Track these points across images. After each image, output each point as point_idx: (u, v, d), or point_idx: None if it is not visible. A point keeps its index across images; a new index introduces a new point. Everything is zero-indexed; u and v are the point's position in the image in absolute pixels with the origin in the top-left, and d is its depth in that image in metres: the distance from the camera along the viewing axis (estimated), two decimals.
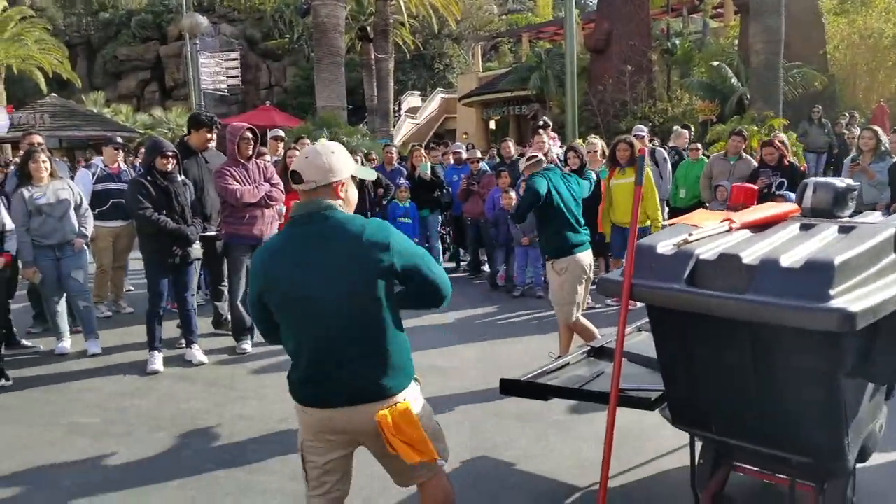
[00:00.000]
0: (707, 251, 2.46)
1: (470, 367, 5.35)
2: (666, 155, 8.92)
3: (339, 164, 2.30)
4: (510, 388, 3.32)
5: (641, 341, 3.54)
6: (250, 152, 5.74)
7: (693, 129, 11.93)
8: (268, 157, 7.17)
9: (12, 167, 7.22)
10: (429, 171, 8.75)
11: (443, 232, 9.76)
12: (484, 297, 7.80)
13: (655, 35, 20.44)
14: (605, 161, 7.03)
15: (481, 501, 3.37)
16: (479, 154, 9.46)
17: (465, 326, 6.58)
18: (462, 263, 9.64)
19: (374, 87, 24.10)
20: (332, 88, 17.30)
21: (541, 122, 9.43)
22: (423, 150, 9.56)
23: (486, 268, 8.89)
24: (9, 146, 18.38)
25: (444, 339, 6.07)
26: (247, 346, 5.88)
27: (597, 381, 3.21)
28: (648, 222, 6.60)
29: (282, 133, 8.32)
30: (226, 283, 6.27)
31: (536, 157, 5.10)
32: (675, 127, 11.19)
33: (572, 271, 4.82)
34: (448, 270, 9.41)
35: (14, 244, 5.16)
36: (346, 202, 2.34)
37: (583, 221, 5.02)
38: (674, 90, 18.81)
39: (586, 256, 4.91)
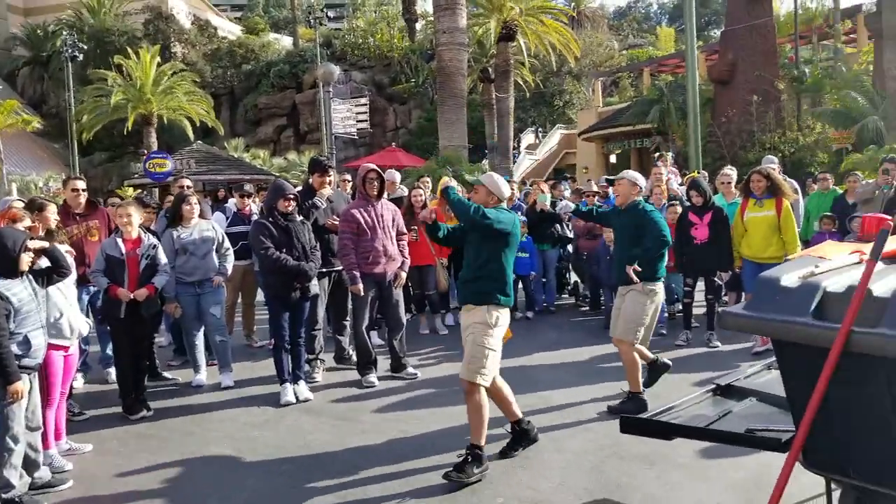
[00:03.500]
0: (835, 284, 2.30)
1: (588, 405, 5.19)
2: (797, 186, 8.41)
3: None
4: (632, 426, 3.18)
5: (771, 379, 3.31)
6: (375, 191, 5.99)
7: (826, 158, 11.16)
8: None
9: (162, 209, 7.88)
10: (548, 203, 8.68)
11: (560, 266, 9.61)
12: (603, 334, 7.58)
13: (783, 63, 19.53)
14: (738, 193, 6.73)
15: None
16: (594, 188, 9.29)
17: (582, 364, 6.42)
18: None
19: (494, 125, 24.49)
20: (455, 129, 17.78)
21: (658, 154, 9.20)
22: (543, 183, 9.56)
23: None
24: (156, 189, 20.17)
25: (561, 378, 5.94)
26: (373, 378, 6.00)
27: (724, 420, 3.01)
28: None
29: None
30: (349, 318, 6.53)
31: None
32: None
33: (657, 297, 5.08)
34: (567, 306, 9.31)
35: (163, 280, 5.54)
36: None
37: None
38: (804, 119, 17.78)
39: (662, 286, 5.21)
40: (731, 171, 7.57)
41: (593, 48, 38.75)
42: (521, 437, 4.33)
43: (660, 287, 5.12)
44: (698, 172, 10.10)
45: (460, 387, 4.13)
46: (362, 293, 5.90)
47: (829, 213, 7.69)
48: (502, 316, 4.12)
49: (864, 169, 9.83)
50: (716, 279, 6.95)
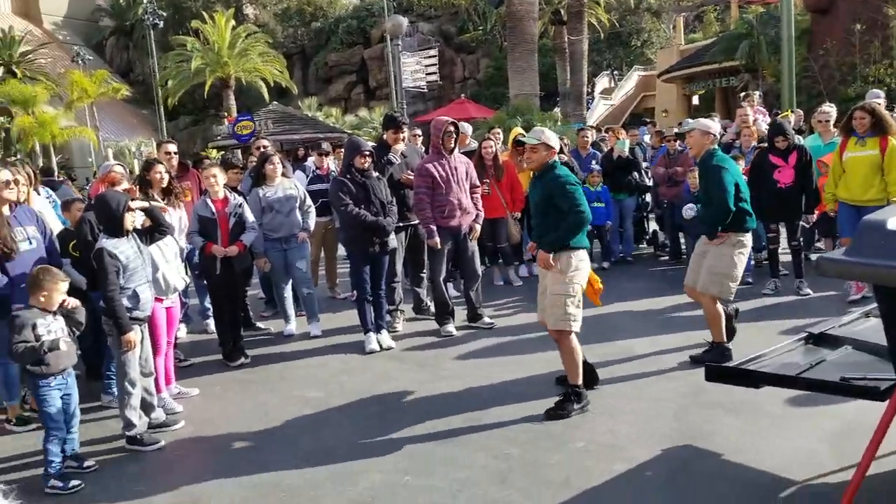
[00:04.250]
0: None
1: (668, 354, 5.15)
2: None
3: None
4: (717, 374, 3.15)
5: (869, 328, 3.18)
6: (452, 144, 6.03)
7: None
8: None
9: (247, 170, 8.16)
10: (626, 149, 8.47)
11: (638, 215, 9.39)
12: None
13: None
14: (837, 132, 6.35)
15: (695, 488, 3.26)
16: (675, 131, 8.95)
17: (662, 314, 6.33)
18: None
19: (566, 70, 23.83)
20: (526, 76, 17.41)
21: (743, 94, 8.72)
22: (621, 129, 9.31)
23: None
24: (238, 150, 20.80)
25: (640, 327, 5.89)
26: (451, 328, 6.15)
27: (816, 368, 2.93)
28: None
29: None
30: (426, 270, 6.67)
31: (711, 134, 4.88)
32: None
33: (746, 249, 4.85)
34: (646, 256, 9.13)
35: (251, 237, 5.82)
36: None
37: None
38: None
39: (751, 236, 4.97)
40: (829, 109, 7.12)
41: None
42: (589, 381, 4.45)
43: (748, 238, 4.89)
44: (792, 111, 9.52)
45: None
46: (439, 246, 6.00)
47: None
48: (578, 260, 4.18)
49: None
50: (802, 223, 6.63)
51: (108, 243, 4.02)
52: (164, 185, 5.35)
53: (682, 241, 8.42)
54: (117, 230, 4.06)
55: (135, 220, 4.18)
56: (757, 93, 10.01)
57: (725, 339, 4.88)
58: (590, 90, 30.89)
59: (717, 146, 4.98)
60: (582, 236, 4.22)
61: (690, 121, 7.87)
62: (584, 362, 4.34)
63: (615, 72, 36.17)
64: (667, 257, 8.77)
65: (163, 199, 5.28)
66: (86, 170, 32.50)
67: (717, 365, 3.15)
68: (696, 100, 29.19)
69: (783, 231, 6.78)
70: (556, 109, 22.66)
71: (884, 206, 5.67)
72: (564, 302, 4.10)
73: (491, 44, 38.32)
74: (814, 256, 7.50)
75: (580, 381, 4.22)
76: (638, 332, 5.73)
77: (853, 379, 2.63)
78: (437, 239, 5.96)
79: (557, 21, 24.89)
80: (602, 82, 35.02)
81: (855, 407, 3.63)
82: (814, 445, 3.53)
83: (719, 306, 4.86)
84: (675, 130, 8.51)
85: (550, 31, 26.68)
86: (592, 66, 31.92)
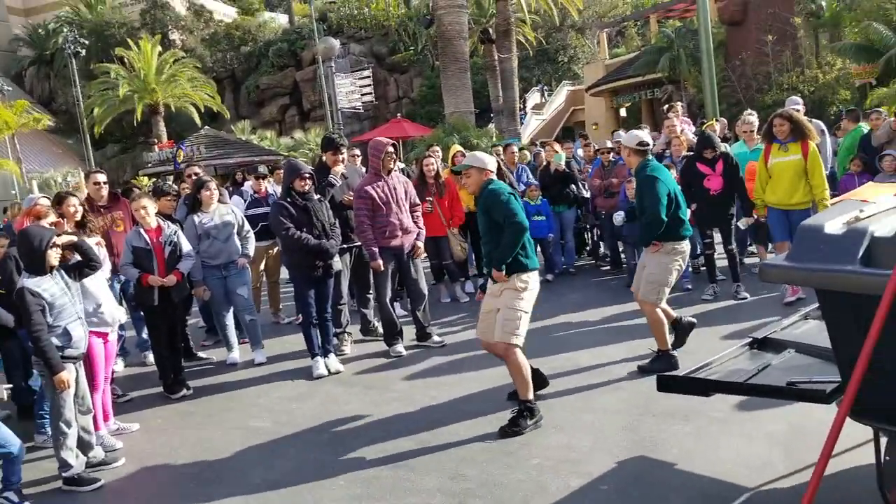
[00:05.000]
0: (883, 228, 2.24)
1: (616, 364, 5.21)
2: (824, 127, 8.22)
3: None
4: (668, 384, 3.19)
5: (809, 330, 3.28)
6: (391, 165, 6.01)
7: (849, 95, 10.87)
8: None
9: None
10: (563, 163, 8.62)
11: (579, 227, 9.55)
12: (627, 293, 7.54)
13: None
14: (760, 139, 6.60)
15: (650, 500, 3.27)
16: (608, 144, 9.15)
17: (607, 324, 6.43)
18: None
19: (498, 87, 24.13)
20: (460, 94, 17.56)
21: (667, 106, 9.00)
22: (555, 143, 9.46)
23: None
24: (170, 178, 20.26)
25: (587, 339, 5.96)
26: (400, 348, 6.09)
27: (763, 374, 3.00)
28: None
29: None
30: (372, 291, 6.58)
31: (647, 144, 5.06)
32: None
33: (682, 256, 4.99)
34: (588, 267, 9.28)
35: (188, 265, 5.65)
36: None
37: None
38: (823, 56, 17.33)
39: (688, 244, 5.11)
40: (752, 117, 7.41)
41: None
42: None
43: (684, 246, 5.02)
44: (717, 120, 9.89)
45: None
46: (382, 268, 5.94)
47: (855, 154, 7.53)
48: (531, 280, 4.24)
49: (892, 104, 9.53)
50: (739, 225, 6.86)
51: (29, 282, 3.83)
52: (78, 218, 5.12)
53: (622, 249, 8.59)
54: (40, 267, 3.86)
55: (58, 256, 3.98)
56: (680, 103, 10.32)
57: (670, 347, 4.97)
58: (522, 106, 31.40)
59: (650, 157, 5.10)
60: (532, 257, 4.28)
61: (623, 133, 8.08)
62: (533, 369, 4.36)
63: (545, 87, 36.92)
64: (608, 267, 8.93)
65: (77, 233, 5.05)
66: (7, 202, 30.99)
67: (668, 375, 3.19)
68: (623, 112, 30.05)
69: (717, 237, 7.00)
70: (491, 125, 22.90)
71: (810, 209, 5.95)
72: (518, 316, 4.16)
73: (423, 63, 38.58)
74: (748, 261, 7.77)
75: (531, 396, 4.23)
76: (583, 344, 5.79)
77: (799, 383, 2.70)
78: (380, 261, 5.91)
79: (486, 40, 25.24)
80: (533, 98, 35.65)
81: (799, 408, 3.73)
82: (763, 450, 3.60)
83: (660, 313, 4.95)
84: (608, 143, 8.70)
85: (480, 50, 27.05)
86: (523, 82, 32.46)
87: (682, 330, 5.23)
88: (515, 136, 21.81)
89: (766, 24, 16.81)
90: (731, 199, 6.69)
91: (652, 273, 4.93)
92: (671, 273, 4.94)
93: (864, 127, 8.16)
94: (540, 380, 4.59)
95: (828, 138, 8.03)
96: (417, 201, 6.38)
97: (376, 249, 5.90)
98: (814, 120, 8.45)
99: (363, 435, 4.39)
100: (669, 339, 5.01)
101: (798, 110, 7.02)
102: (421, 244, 6.26)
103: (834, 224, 2.30)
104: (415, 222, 6.22)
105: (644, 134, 5.27)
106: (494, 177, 4.37)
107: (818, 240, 2.28)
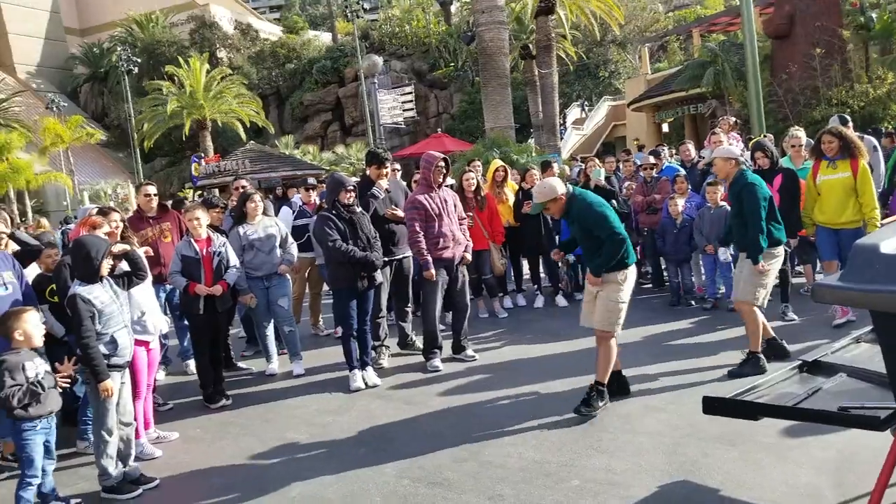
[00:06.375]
0: None
1: (661, 385, 5.09)
2: (876, 143, 7.96)
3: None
4: (714, 406, 3.08)
5: (862, 353, 3.15)
6: (440, 179, 6.09)
7: None
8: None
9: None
10: (602, 178, 8.52)
11: None
12: (670, 312, 7.42)
13: (846, 10, 18.46)
14: (808, 155, 6.43)
15: None
16: (652, 160, 9.00)
17: (653, 343, 6.30)
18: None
19: (538, 102, 24.13)
20: (500, 110, 17.57)
21: (720, 118, 8.81)
22: (595, 159, 9.36)
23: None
24: (216, 190, 20.74)
25: (628, 357, 5.82)
26: (437, 362, 6.07)
27: (813, 398, 2.88)
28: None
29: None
30: (410, 305, 6.62)
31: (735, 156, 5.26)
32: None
33: (777, 261, 5.20)
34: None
35: (234, 275, 5.74)
36: None
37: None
38: (874, 69, 16.83)
39: (782, 249, 5.33)
40: (799, 133, 7.22)
41: (637, 13, 37.66)
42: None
43: (779, 251, 5.21)
44: (764, 135, 9.68)
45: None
46: (434, 277, 5.96)
47: None
48: (630, 274, 4.67)
49: None
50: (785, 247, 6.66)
51: (81, 289, 3.93)
52: (118, 233, 5.23)
53: (664, 266, 8.43)
54: (93, 276, 3.96)
55: (111, 265, 4.08)
56: (733, 118, 10.13)
57: (760, 350, 5.10)
58: (562, 121, 31.28)
59: (745, 167, 5.27)
60: (631, 254, 4.65)
61: (690, 147, 8.14)
62: (619, 373, 4.82)
63: (585, 103, 36.74)
64: (650, 284, 8.77)
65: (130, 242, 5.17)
66: (60, 213, 32.26)
67: (714, 397, 3.07)
68: (665, 127, 29.68)
69: None
70: (531, 140, 22.85)
71: (860, 228, 5.76)
72: (619, 308, 4.62)
73: (462, 79, 38.84)
74: (795, 280, 7.54)
75: (606, 381, 4.65)
76: (624, 363, 5.61)
77: (852, 408, 2.58)
78: (433, 270, 5.94)
79: (527, 55, 25.29)
80: (573, 113, 35.51)
81: (849, 435, 3.60)
82: (812, 478, 3.46)
83: (758, 313, 5.10)
84: (701, 164, 8.46)
85: (521, 66, 27.08)
86: (563, 97, 32.36)
87: (772, 349, 5.23)
88: (555, 151, 21.72)
89: (813, 38, 16.43)
90: (787, 216, 6.47)
91: (756, 278, 5.07)
92: (767, 275, 5.09)
93: None
94: (623, 386, 4.88)
95: (880, 155, 7.77)
96: (464, 214, 6.48)
97: (430, 259, 5.94)
98: (865, 136, 8.22)
99: (399, 450, 4.37)
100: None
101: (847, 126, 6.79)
102: (469, 255, 6.33)
103: (890, 243, 2.21)
104: (462, 234, 6.29)
105: (734, 147, 5.52)
106: (565, 191, 4.66)
107: (874, 260, 2.19)
